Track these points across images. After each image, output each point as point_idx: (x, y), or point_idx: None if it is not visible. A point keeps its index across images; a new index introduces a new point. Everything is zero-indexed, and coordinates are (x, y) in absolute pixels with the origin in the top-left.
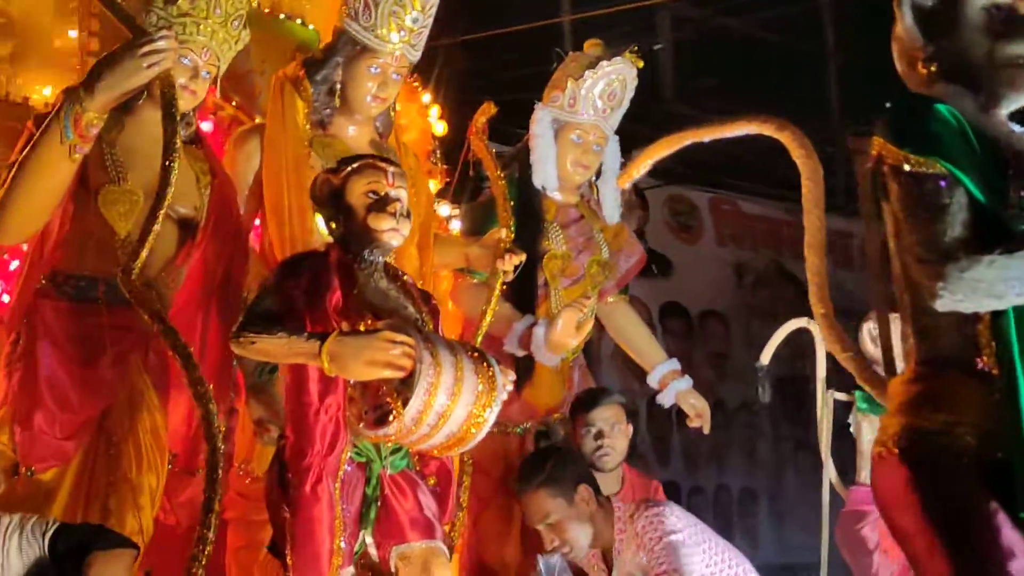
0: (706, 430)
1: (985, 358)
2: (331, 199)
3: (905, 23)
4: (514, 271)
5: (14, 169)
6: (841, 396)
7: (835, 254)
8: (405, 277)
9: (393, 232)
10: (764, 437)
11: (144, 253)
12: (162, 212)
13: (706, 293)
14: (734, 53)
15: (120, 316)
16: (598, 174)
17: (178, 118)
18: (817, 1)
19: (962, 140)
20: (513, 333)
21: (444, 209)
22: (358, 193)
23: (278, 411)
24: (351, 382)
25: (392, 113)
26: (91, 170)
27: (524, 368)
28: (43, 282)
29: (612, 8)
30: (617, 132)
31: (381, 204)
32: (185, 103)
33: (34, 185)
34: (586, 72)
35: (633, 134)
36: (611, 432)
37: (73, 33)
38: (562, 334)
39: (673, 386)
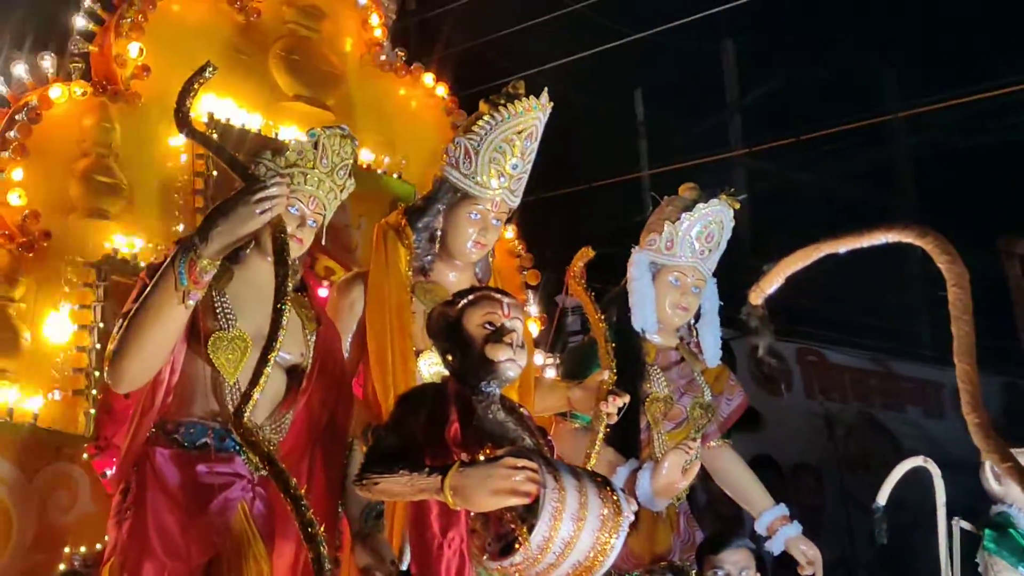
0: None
1: None
2: (448, 331)
3: None
4: (617, 413)
5: (129, 317)
6: (967, 526)
7: (927, 404)
8: (522, 410)
9: (510, 363)
10: None
11: (256, 395)
12: (274, 355)
13: (796, 446)
14: (807, 206)
15: (228, 463)
16: (697, 316)
17: (290, 263)
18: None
19: None
20: (617, 477)
21: (538, 358)
22: (475, 324)
23: (384, 557)
24: (472, 513)
25: (491, 258)
26: (201, 318)
27: None
28: (153, 430)
29: (690, 162)
30: None
31: (498, 335)
32: (293, 251)
33: (149, 332)
34: (683, 214)
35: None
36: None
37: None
38: (668, 477)
39: (782, 532)
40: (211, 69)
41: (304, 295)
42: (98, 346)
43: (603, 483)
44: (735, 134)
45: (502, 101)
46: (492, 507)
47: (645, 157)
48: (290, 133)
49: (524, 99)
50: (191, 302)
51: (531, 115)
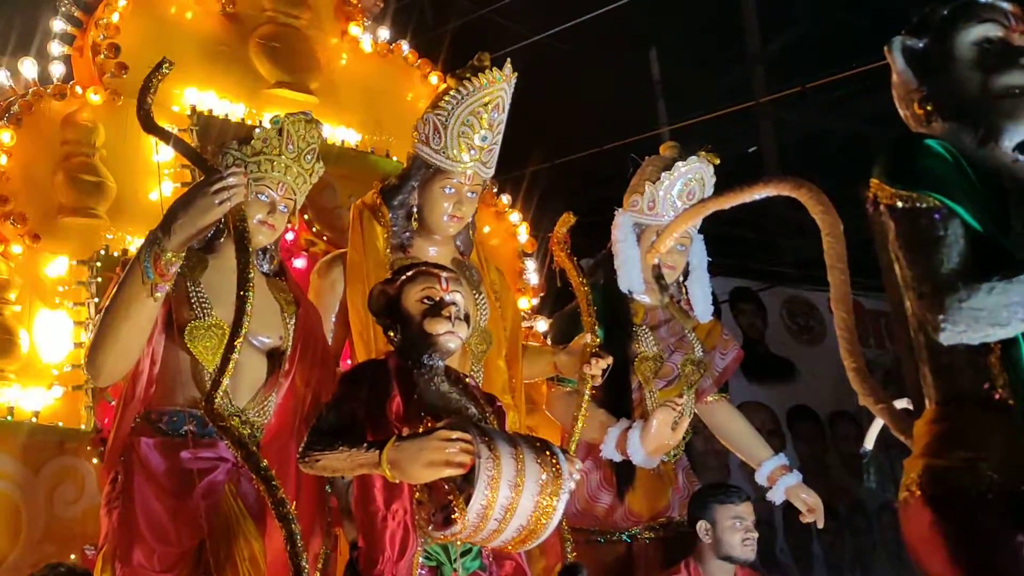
0: (820, 524)
1: (1000, 390)
2: (388, 309)
3: (898, 67)
4: (602, 375)
5: (103, 313)
6: None
7: (878, 335)
8: (467, 379)
9: (450, 335)
10: None
11: (225, 381)
12: (239, 341)
13: (834, 395)
14: (835, 153)
15: (211, 448)
16: (686, 274)
17: (251, 250)
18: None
19: (957, 172)
20: (609, 438)
21: (541, 325)
22: (413, 300)
23: None
24: (417, 485)
25: (471, 232)
26: (177, 309)
27: (624, 473)
28: (137, 420)
29: (707, 115)
30: (724, 236)
31: (436, 308)
32: (265, 237)
33: (121, 326)
34: (663, 174)
35: (742, 236)
36: (752, 527)
37: (154, 195)
38: (657, 435)
39: (782, 482)
40: (167, 64)
41: (282, 279)
42: None
43: (542, 447)
44: (759, 84)
45: (467, 75)
46: (428, 479)
47: (665, 116)
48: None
49: (489, 71)
50: (159, 295)
51: (496, 87)
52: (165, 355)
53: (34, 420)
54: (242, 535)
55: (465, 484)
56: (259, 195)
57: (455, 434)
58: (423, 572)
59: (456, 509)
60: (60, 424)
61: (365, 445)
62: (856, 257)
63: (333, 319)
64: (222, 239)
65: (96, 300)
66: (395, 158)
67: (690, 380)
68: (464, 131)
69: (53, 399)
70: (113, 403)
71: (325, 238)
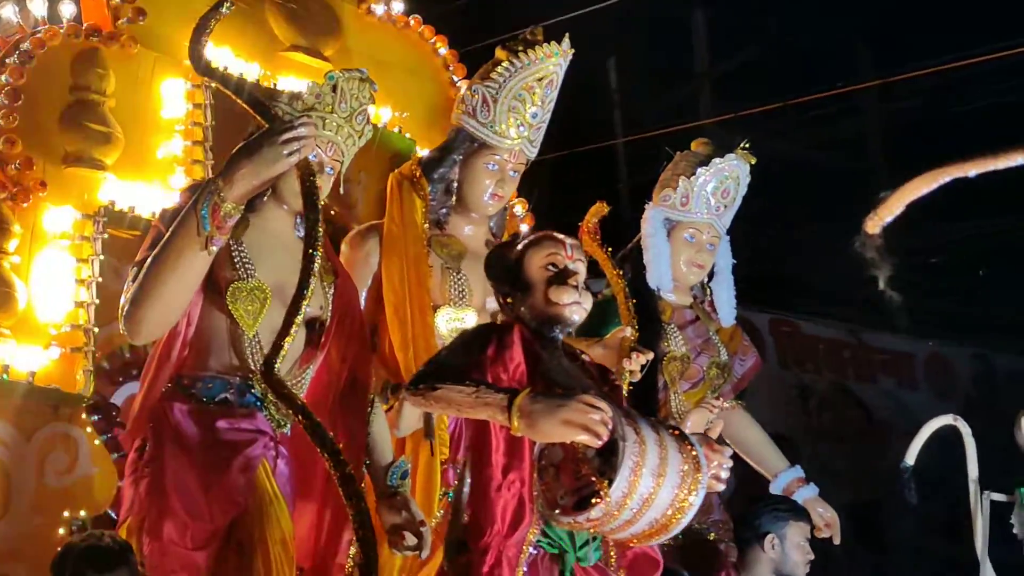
0: (836, 540)
1: None
2: (507, 274)
3: None
4: (641, 370)
5: (146, 265)
6: (1000, 497)
7: (900, 375)
8: (584, 356)
9: (576, 306)
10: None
11: (286, 346)
12: (306, 303)
13: (770, 416)
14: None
15: (249, 419)
16: (710, 275)
17: (319, 206)
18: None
19: None
20: None
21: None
22: (536, 266)
23: (414, 516)
24: (543, 462)
25: (506, 213)
26: (218, 267)
27: None
28: (169, 384)
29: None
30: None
31: (562, 277)
32: None
33: (169, 280)
34: (698, 169)
35: None
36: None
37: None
38: None
39: (799, 494)
40: (228, 4)
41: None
42: (96, 302)
43: (681, 437)
44: (705, 105)
45: (521, 47)
46: (559, 438)
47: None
48: (287, 83)
49: (545, 45)
50: (214, 248)
51: (552, 61)
52: (202, 317)
53: (30, 381)
54: (275, 516)
55: (605, 467)
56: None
57: (600, 403)
58: (539, 555)
59: (599, 493)
60: (56, 387)
61: (495, 387)
62: (805, 281)
63: (364, 293)
64: (265, 198)
65: (101, 257)
66: (407, 134)
67: (714, 384)
68: (515, 105)
69: (49, 360)
70: (108, 368)
71: (332, 212)
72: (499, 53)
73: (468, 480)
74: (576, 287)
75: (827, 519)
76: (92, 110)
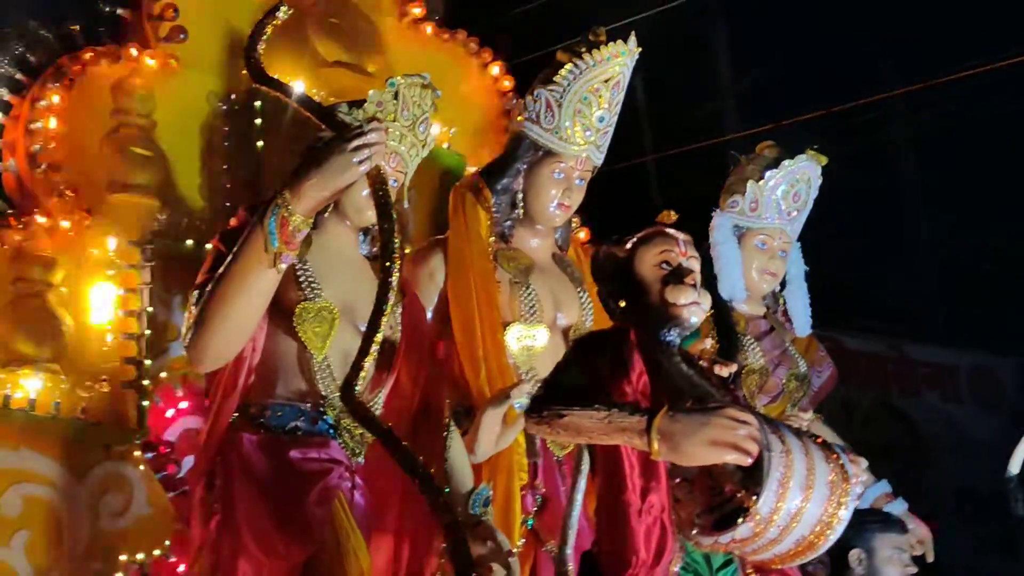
0: (929, 557)
1: None
2: (617, 273)
3: None
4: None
5: (210, 287)
6: None
7: (943, 388)
8: (702, 362)
9: (694, 306)
10: None
11: (367, 366)
12: (385, 319)
13: None
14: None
15: (323, 448)
16: (782, 284)
17: (395, 216)
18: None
19: None
20: None
21: None
22: (649, 265)
23: (500, 547)
24: (675, 479)
25: (571, 225)
26: (283, 288)
27: None
28: (236, 415)
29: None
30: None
31: (677, 275)
32: (374, 215)
33: (236, 301)
34: (767, 173)
35: None
36: (910, 561)
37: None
38: None
39: (888, 509)
40: (285, 9)
41: None
42: (147, 332)
43: (825, 445)
44: (731, 120)
45: (584, 48)
46: (705, 460)
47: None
48: (330, 101)
49: (611, 44)
50: (283, 265)
51: (618, 61)
52: (268, 342)
53: (80, 418)
54: (352, 551)
55: (749, 482)
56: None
57: (745, 415)
58: None
59: (743, 509)
60: (106, 425)
61: (629, 408)
62: (846, 294)
63: (430, 312)
64: (327, 213)
65: (150, 286)
66: (456, 151)
67: (794, 397)
68: (581, 109)
69: (100, 395)
70: (160, 404)
71: None
72: (560, 56)
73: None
74: (694, 286)
75: (919, 535)
76: (136, 133)
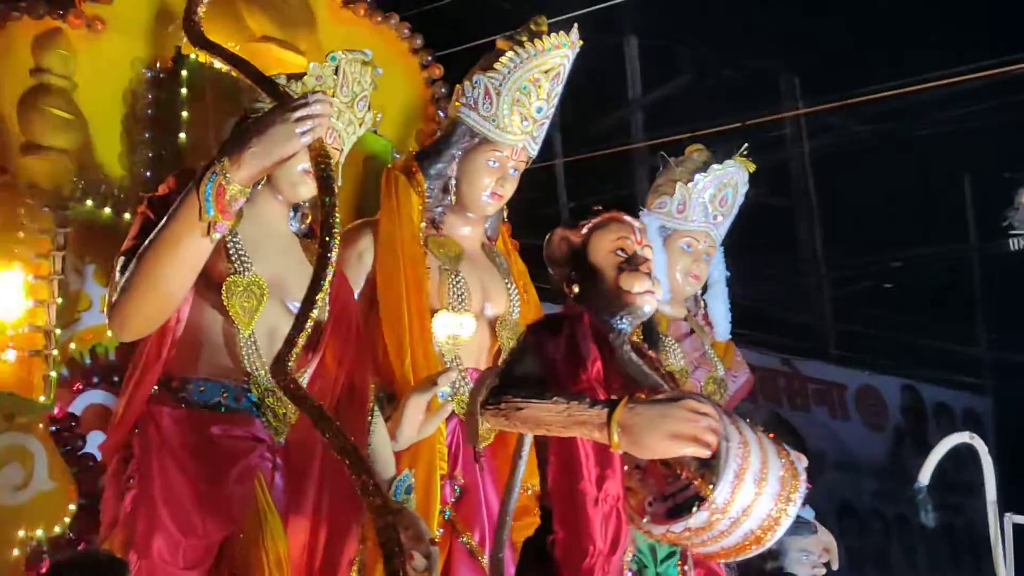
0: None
1: None
2: (571, 258)
3: None
4: None
5: (139, 254)
6: (1021, 519)
7: (831, 405)
8: (650, 352)
9: (648, 295)
10: None
11: (301, 342)
12: (322, 295)
13: None
14: None
15: (245, 425)
16: (704, 288)
17: (335, 190)
18: None
19: None
20: None
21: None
22: (605, 251)
23: (422, 535)
24: (625, 466)
25: (501, 215)
26: (212, 260)
27: None
28: (156, 388)
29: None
30: None
31: (633, 263)
32: (307, 189)
33: (166, 269)
34: (696, 176)
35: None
36: (819, 562)
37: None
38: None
39: None
40: None
41: (313, 242)
42: (58, 300)
43: (776, 441)
44: (636, 130)
45: (525, 37)
46: (665, 453)
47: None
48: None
49: (553, 35)
50: (217, 235)
51: (560, 52)
52: (192, 314)
53: None
54: (270, 533)
55: (705, 471)
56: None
57: (705, 407)
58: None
59: (703, 498)
60: (12, 393)
61: (588, 401)
62: (739, 308)
63: (357, 295)
64: (259, 187)
65: (63, 252)
66: (383, 136)
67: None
68: (520, 99)
69: (5, 363)
70: (68, 376)
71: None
72: (501, 43)
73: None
74: (649, 274)
75: (826, 542)
76: (55, 94)
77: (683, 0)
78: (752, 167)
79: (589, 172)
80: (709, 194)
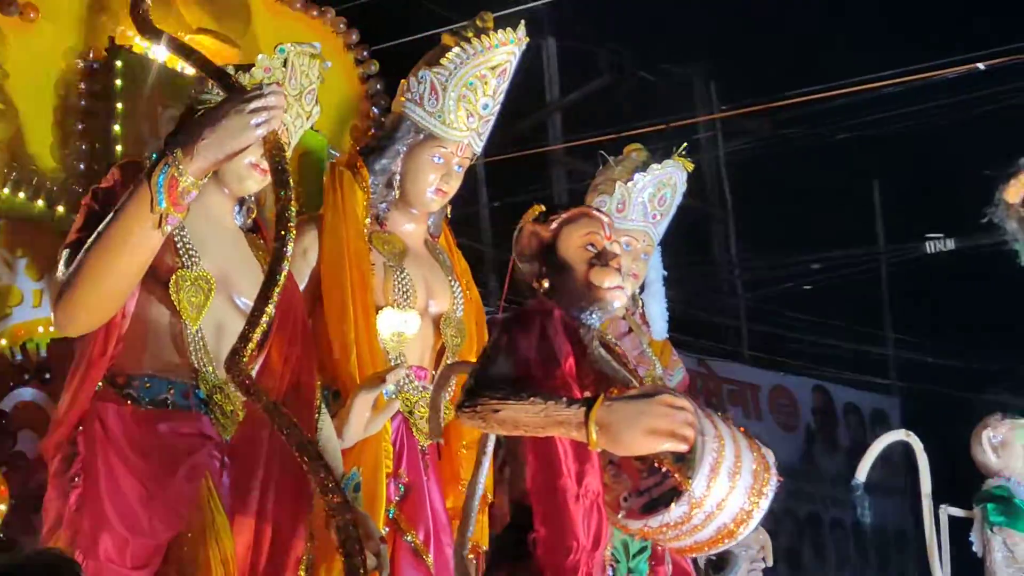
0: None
1: None
2: (541, 252)
3: None
4: None
5: (86, 247)
6: (957, 512)
7: (744, 405)
8: (617, 348)
9: (619, 291)
10: None
11: (256, 337)
12: (277, 289)
13: None
14: None
15: (194, 422)
16: (641, 287)
17: (291, 183)
18: None
19: None
20: None
21: None
22: (575, 246)
23: (371, 533)
24: (605, 463)
25: (444, 212)
26: (160, 254)
27: None
28: (100, 385)
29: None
30: None
31: (603, 258)
32: (254, 183)
33: (115, 262)
34: (636, 175)
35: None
36: (757, 556)
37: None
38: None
39: None
40: None
41: (258, 236)
42: None
43: (747, 434)
44: (554, 131)
45: (471, 33)
46: (644, 450)
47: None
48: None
49: (500, 31)
50: (168, 227)
51: (506, 49)
52: (139, 309)
53: None
54: (217, 532)
55: (680, 465)
56: None
57: (681, 401)
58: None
59: (680, 492)
60: None
61: (566, 400)
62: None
63: (301, 290)
64: (206, 179)
65: None
66: (319, 131)
67: None
68: (466, 95)
69: None
70: None
71: None
72: (447, 39)
73: (538, 495)
74: (619, 270)
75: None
76: None
77: (601, 3)
78: (691, 166)
79: (510, 172)
80: (648, 193)
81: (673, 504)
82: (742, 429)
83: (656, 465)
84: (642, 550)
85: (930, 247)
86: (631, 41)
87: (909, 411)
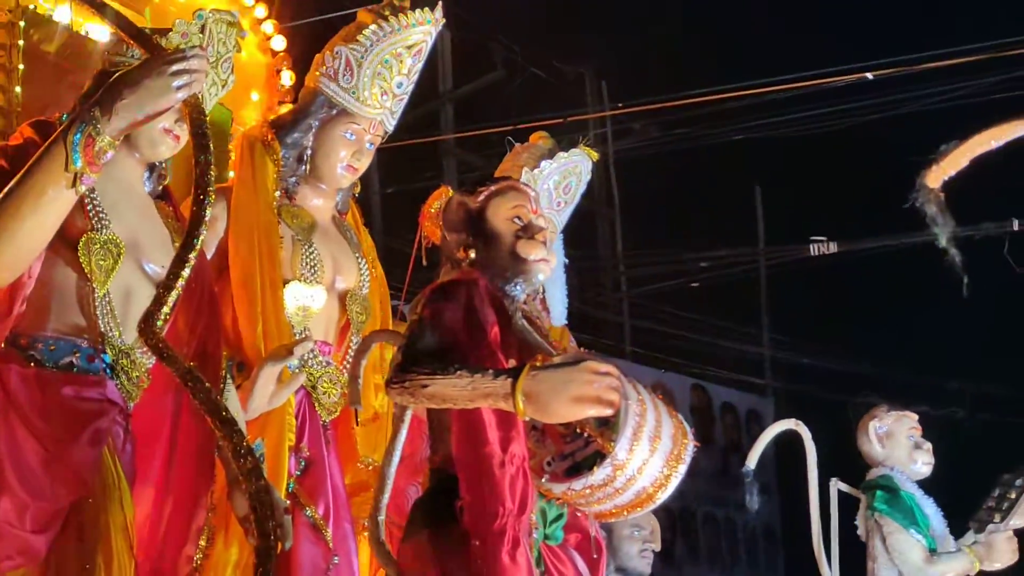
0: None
1: None
2: (469, 222)
3: None
4: None
5: None
6: (845, 487)
7: None
8: (537, 320)
9: (544, 263)
10: None
11: (171, 300)
12: (194, 254)
13: None
14: None
15: (99, 387)
16: None
17: (211, 148)
18: None
19: None
20: None
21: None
22: (502, 217)
23: (277, 503)
24: (528, 428)
25: (353, 189)
26: (69, 216)
27: None
28: (2, 346)
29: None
30: None
31: (530, 231)
32: (167, 148)
33: (25, 218)
34: (543, 163)
35: None
36: (650, 537)
37: None
38: None
39: None
40: None
41: (168, 204)
42: None
43: (665, 401)
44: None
45: (388, 11)
46: (571, 417)
47: None
48: (101, 35)
49: (417, 11)
50: (83, 187)
51: (423, 28)
52: (45, 271)
53: None
54: (118, 499)
55: (604, 429)
56: None
57: (606, 367)
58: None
59: (603, 455)
60: None
61: (492, 372)
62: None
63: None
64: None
65: None
66: (223, 104)
67: None
68: (381, 72)
69: None
70: None
71: None
72: (363, 15)
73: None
74: (544, 243)
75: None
76: None
77: None
78: (595, 156)
79: (402, 160)
80: (554, 181)
81: (596, 467)
82: (660, 396)
83: (579, 431)
84: (559, 517)
85: (814, 249)
86: (525, 37)
87: (783, 412)
